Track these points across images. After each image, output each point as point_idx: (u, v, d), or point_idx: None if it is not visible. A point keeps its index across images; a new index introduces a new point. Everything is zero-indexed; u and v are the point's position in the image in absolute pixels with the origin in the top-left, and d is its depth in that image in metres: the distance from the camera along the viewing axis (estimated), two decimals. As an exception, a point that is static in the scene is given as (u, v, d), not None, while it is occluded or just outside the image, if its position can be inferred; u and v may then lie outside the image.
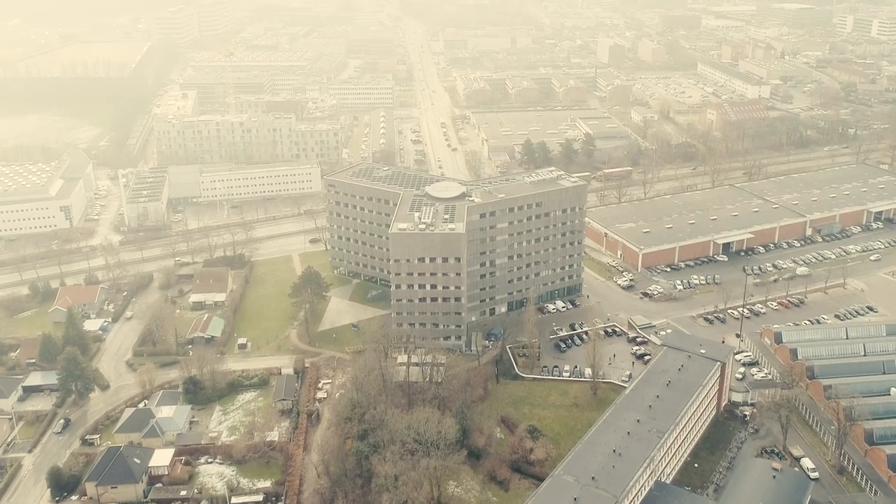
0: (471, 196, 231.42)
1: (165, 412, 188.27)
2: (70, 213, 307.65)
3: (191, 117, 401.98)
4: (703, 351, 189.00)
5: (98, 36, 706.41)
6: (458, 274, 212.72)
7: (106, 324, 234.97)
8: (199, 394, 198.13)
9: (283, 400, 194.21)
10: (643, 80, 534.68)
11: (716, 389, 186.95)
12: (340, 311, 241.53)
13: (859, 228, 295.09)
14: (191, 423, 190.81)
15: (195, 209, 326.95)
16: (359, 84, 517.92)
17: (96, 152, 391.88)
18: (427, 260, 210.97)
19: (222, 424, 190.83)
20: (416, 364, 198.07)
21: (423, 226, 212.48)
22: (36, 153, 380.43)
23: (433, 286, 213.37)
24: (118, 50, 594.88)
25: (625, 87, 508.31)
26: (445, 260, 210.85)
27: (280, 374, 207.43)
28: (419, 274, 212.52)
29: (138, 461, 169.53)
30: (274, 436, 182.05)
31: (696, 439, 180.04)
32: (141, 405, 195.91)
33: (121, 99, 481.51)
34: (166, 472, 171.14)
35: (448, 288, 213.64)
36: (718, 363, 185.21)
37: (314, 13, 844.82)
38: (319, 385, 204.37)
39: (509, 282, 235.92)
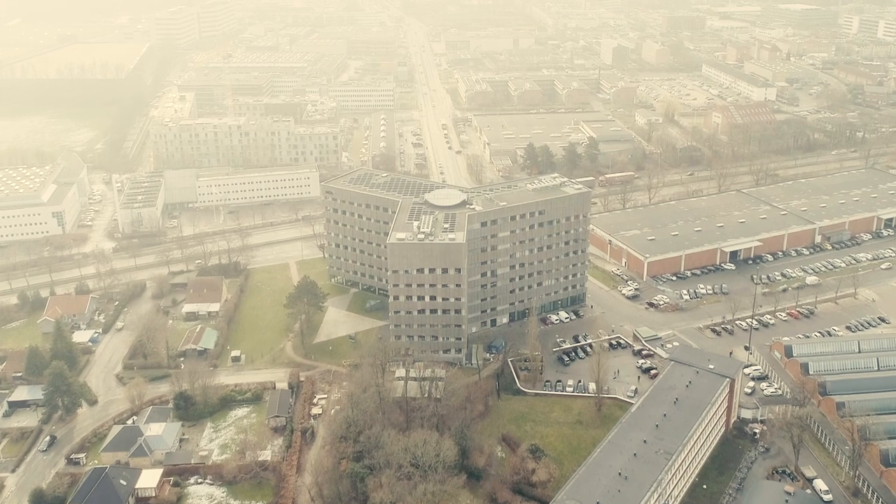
0: (472, 204, 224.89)
1: (154, 430, 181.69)
2: (63, 220, 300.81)
3: (188, 120, 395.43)
4: (711, 366, 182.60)
5: (98, 37, 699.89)
6: (458, 285, 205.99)
7: (96, 335, 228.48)
8: (189, 410, 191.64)
9: (277, 416, 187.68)
10: (647, 82, 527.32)
11: (725, 406, 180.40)
12: (337, 321, 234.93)
13: (869, 236, 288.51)
14: (181, 440, 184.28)
15: (191, 214, 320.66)
16: (359, 86, 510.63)
17: (92, 156, 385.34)
18: (426, 271, 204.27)
19: (213, 442, 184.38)
20: (415, 378, 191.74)
21: (422, 235, 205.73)
22: (30, 156, 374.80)
23: (432, 297, 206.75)
24: (117, 51, 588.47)
25: (629, 89, 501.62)
26: (445, 271, 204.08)
27: (274, 388, 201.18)
28: (418, 285, 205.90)
29: (124, 483, 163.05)
30: (266, 455, 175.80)
31: (705, 459, 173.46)
32: (129, 422, 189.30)
33: (118, 101, 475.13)
34: (154, 494, 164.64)
35: (448, 299, 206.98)
36: (728, 379, 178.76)
37: (316, 13, 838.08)
38: (315, 400, 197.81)
39: (511, 292, 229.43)
